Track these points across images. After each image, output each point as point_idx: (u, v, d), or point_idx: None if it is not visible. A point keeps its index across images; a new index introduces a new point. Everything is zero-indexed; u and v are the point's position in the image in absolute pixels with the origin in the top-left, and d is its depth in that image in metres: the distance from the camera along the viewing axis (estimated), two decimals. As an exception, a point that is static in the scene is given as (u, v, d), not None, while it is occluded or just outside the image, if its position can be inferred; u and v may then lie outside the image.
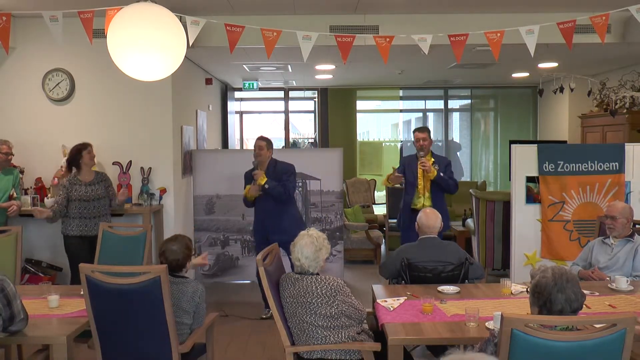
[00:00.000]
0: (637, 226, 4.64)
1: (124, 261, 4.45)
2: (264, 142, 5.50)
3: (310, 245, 3.31)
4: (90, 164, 5.26)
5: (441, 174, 5.43)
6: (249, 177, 5.54)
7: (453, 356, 1.66)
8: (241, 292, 6.65)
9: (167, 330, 3.09)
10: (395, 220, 8.33)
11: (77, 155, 5.20)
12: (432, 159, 5.52)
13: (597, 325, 2.38)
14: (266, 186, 5.34)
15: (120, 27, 3.34)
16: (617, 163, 5.73)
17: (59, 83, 6.02)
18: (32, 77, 6.02)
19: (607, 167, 5.74)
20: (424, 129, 5.62)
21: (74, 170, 5.23)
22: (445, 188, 5.50)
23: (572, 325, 2.38)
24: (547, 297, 2.43)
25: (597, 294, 3.68)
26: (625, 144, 5.91)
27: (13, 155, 5.41)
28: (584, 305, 2.51)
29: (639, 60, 7.67)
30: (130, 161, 6.01)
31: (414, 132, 5.66)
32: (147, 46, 3.31)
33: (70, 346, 3.08)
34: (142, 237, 4.67)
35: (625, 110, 7.44)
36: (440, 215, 4.20)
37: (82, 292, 3.16)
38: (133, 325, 3.13)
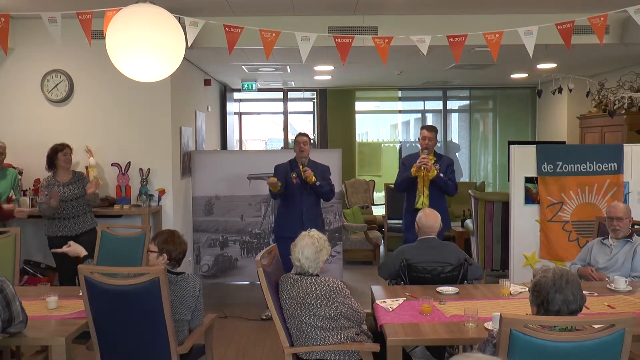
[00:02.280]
0: (635, 226, 4.65)
1: (122, 262, 4.45)
2: (307, 137, 5.54)
3: (311, 246, 3.31)
4: (65, 166, 5.18)
5: (440, 175, 5.35)
6: (282, 171, 5.51)
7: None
8: (240, 293, 6.65)
9: (165, 331, 3.09)
10: (394, 221, 8.37)
11: (53, 156, 5.15)
12: (434, 158, 5.44)
13: (596, 326, 2.39)
14: (317, 183, 5.42)
15: (118, 28, 3.34)
16: (615, 164, 5.74)
17: (57, 84, 6.02)
18: (30, 78, 6.01)
19: (605, 168, 5.75)
20: (432, 128, 5.51)
21: (52, 170, 5.19)
22: (443, 189, 5.39)
23: (571, 326, 2.38)
24: (545, 296, 2.43)
25: (596, 294, 3.69)
26: (624, 144, 5.92)
27: (4, 155, 5.35)
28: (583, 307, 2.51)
29: (637, 61, 7.68)
30: (129, 162, 6.01)
31: (421, 128, 5.53)
32: (146, 47, 3.31)
33: (69, 347, 3.08)
34: (141, 238, 4.66)
35: (623, 111, 7.45)
36: (439, 216, 4.19)
37: (80, 293, 3.16)
38: (132, 326, 3.13)
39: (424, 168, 5.30)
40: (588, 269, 4.25)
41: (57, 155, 5.14)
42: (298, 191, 5.47)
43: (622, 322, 2.37)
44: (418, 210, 5.39)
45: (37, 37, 5.91)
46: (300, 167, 5.47)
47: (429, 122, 11.94)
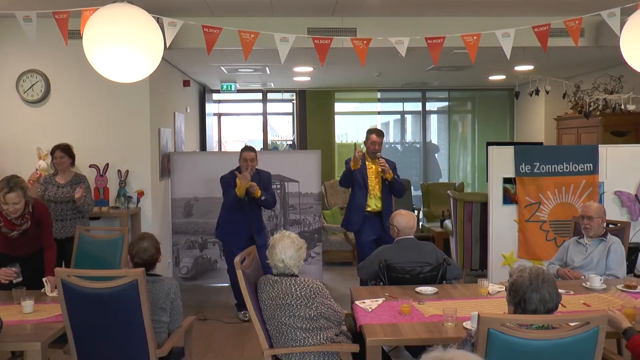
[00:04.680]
0: (610, 226, 4.73)
1: (101, 265, 4.41)
2: (254, 153, 5.51)
3: (291, 246, 3.33)
4: (58, 168, 5.14)
5: (395, 177, 5.58)
6: (226, 183, 5.56)
7: (435, 353, 1.67)
8: (219, 295, 6.61)
9: (144, 334, 3.07)
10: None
11: (52, 156, 5.15)
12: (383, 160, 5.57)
13: (572, 324, 2.43)
14: (262, 198, 5.46)
15: (96, 28, 3.31)
16: (591, 164, 5.83)
17: (33, 85, 5.93)
18: (6, 79, 5.92)
19: (581, 168, 5.84)
20: (381, 133, 5.72)
21: (54, 169, 5.18)
22: (397, 189, 5.61)
23: (548, 324, 2.42)
24: (521, 296, 2.46)
25: (572, 292, 3.75)
26: (599, 145, 6.02)
27: None
28: (559, 305, 2.54)
29: (611, 63, 7.80)
30: (107, 164, 5.94)
31: (370, 133, 5.66)
32: (124, 47, 3.28)
33: (45, 352, 3.04)
34: (119, 240, 4.62)
35: (598, 113, 7.57)
36: (414, 215, 4.26)
37: (54, 293, 3.12)
38: (110, 329, 3.10)
39: (383, 169, 5.47)
40: (566, 270, 4.32)
41: (54, 154, 5.15)
42: (245, 202, 5.49)
43: (596, 320, 2.42)
44: (369, 212, 5.59)
45: (12, 36, 5.81)
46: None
47: (408, 123, 12.00)
